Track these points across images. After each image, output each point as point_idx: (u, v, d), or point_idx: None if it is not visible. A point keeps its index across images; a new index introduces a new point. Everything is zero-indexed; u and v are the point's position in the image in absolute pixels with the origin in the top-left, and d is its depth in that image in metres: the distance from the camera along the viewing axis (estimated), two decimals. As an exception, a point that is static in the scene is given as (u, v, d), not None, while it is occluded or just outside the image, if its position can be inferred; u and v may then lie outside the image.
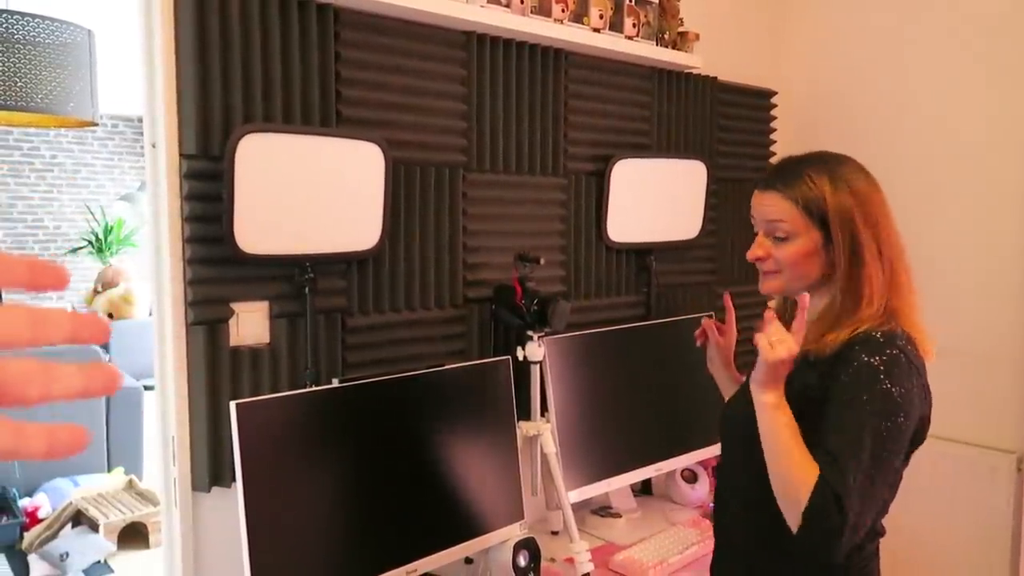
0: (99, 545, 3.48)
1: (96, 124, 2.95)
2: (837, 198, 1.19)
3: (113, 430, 4.22)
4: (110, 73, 4.88)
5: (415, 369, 1.57)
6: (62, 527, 3.57)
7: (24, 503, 3.69)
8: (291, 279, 1.57)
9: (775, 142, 2.69)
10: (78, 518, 3.65)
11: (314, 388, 1.45)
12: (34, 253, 7.29)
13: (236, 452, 1.28)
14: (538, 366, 1.78)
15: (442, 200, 1.81)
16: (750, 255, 1.30)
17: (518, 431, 1.73)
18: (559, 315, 1.71)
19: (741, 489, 1.33)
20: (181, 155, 1.45)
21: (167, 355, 1.48)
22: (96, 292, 6.84)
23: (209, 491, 1.50)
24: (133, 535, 3.63)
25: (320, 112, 1.59)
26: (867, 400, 1.11)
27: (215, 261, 1.48)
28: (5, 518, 3.54)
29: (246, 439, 1.30)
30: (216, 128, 1.45)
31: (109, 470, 4.14)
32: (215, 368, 1.49)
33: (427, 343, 1.80)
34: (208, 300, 1.48)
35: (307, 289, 1.56)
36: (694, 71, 2.36)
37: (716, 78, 2.45)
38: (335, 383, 1.45)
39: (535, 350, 1.75)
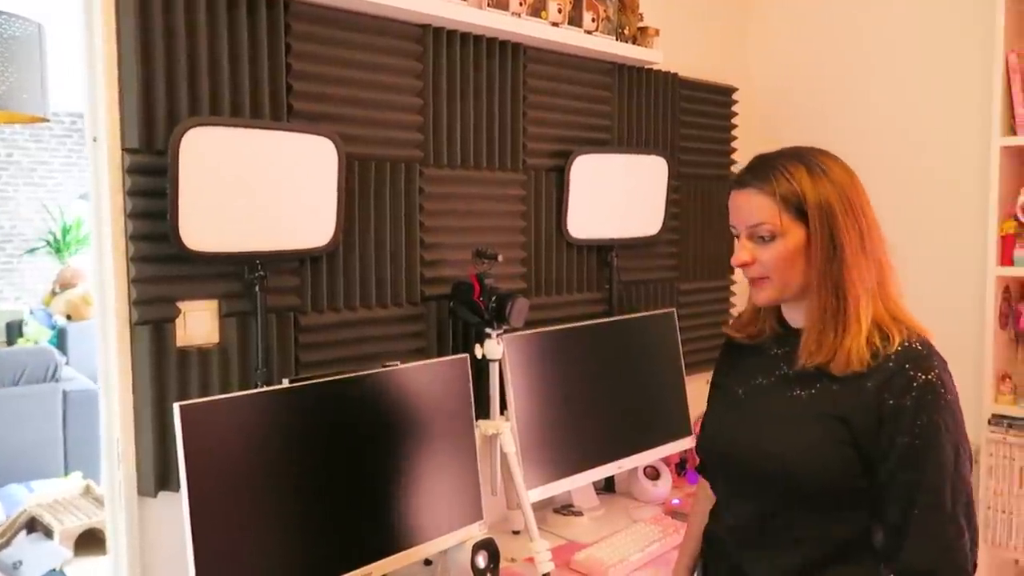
0: (54, 552, 3.38)
1: (47, 120, 2.87)
2: (816, 188, 1.11)
3: (70, 434, 4.13)
4: (66, 69, 4.77)
5: (371, 368, 1.54)
6: (15, 534, 3.47)
7: (-24, 511, 3.59)
8: (241, 277, 1.53)
9: (736, 138, 2.69)
10: (32, 525, 3.55)
11: (262, 389, 1.42)
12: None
13: (180, 455, 1.25)
14: (497, 364, 1.76)
15: (398, 196, 1.78)
16: (735, 260, 1.18)
17: (477, 430, 1.71)
18: (518, 312, 1.69)
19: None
20: (123, 149, 1.41)
21: (111, 356, 1.43)
22: (54, 293, 6.68)
23: (156, 496, 1.45)
24: (91, 541, 3.53)
25: (270, 106, 1.56)
26: (939, 422, 1.07)
27: (161, 259, 1.43)
28: (-44, 526, 3.44)
29: (191, 442, 1.26)
30: (160, 122, 1.41)
31: (66, 474, 4.05)
32: (161, 369, 1.45)
33: (384, 342, 1.77)
34: (153, 299, 1.44)
35: (257, 287, 1.52)
36: (654, 67, 2.36)
37: (677, 74, 2.45)
38: (285, 383, 1.41)
39: (494, 348, 1.73)
